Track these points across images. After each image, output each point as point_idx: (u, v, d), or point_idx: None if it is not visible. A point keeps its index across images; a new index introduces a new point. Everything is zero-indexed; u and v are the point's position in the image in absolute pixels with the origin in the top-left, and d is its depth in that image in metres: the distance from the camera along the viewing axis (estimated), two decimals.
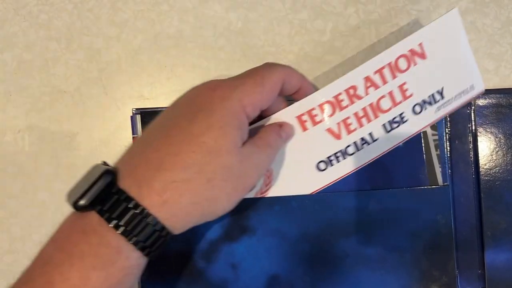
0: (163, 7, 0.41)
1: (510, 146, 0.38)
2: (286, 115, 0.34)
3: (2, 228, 0.40)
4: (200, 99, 0.30)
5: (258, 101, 0.31)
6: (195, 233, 0.38)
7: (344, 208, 0.37)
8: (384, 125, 0.36)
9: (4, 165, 0.40)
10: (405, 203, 0.37)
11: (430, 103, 0.36)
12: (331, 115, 0.35)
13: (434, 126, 0.37)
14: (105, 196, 0.27)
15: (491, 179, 0.37)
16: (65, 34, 0.40)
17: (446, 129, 0.38)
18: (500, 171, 0.37)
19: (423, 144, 0.37)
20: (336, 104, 0.35)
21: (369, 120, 0.35)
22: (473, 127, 0.38)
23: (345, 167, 0.36)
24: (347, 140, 0.35)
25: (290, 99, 0.35)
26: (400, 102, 0.35)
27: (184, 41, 0.40)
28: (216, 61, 0.40)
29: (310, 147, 0.35)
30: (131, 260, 0.27)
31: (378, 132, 0.36)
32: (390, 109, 0.35)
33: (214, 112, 0.29)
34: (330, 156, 0.36)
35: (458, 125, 0.38)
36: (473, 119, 0.38)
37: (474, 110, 0.38)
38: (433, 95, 0.36)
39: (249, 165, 0.31)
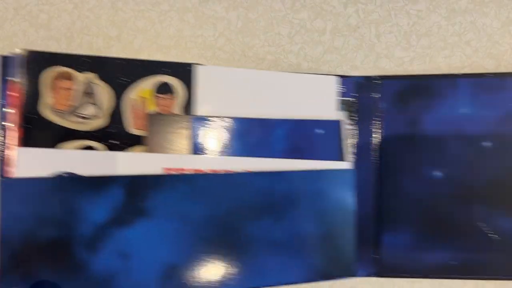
0: (163, 7, 0.41)
1: (412, 134, 0.37)
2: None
3: None
4: None
5: None
6: (76, 215, 0.32)
7: (252, 189, 0.35)
8: None
9: None
10: (311, 185, 0.36)
11: None
12: None
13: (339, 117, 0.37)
14: None
15: (392, 166, 0.37)
16: (65, 34, 0.41)
17: (353, 114, 0.38)
18: (401, 158, 0.37)
19: (339, 132, 0.37)
20: None
21: None
22: (378, 113, 0.38)
23: None
24: None
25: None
26: None
27: (184, 40, 0.40)
28: (216, 60, 0.40)
29: None
30: None
31: None
32: None
33: None
34: None
35: (364, 111, 0.38)
36: (378, 105, 0.38)
37: (379, 97, 0.38)
38: None
39: None
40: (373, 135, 0.38)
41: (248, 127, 0.36)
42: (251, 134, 0.36)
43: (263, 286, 0.35)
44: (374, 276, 0.37)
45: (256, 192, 0.35)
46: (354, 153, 0.37)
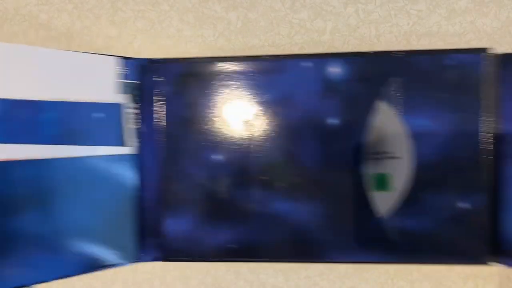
0: (163, 7, 0.41)
1: (194, 117, 0.37)
2: None
3: None
4: None
5: None
6: None
7: (13, 180, 0.31)
8: None
9: None
10: (87, 173, 0.34)
11: None
12: None
13: (131, 97, 0.36)
14: None
15: (175, 149, 0.37)
16: (65, 34, 0.41)
17: (136, 98, 0.37)
18: (183, 142, 0.37)
19: (120, 116, 0.36)
20: None
21: None
22: (161, 96, 0.37)
23: None
24: None
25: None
26: None
27: (184, 40, 0.40)
28: None
29: None
30: None
31: None
32: None
33: None
34: None
35: (147, 94, 0.37)
36: (161, 88, 0.37)
37: (162, 80, 0.37)
38: None
39: None
40: (156, 119, 0.37)
41: (8, 109, 0.32)
42: (14, 117, 0.32)
43: (31, 284, 0.32)
44: (158, 261, 0.37)
45: (18, 183, 0.32)
46: (137, 138, 0.36)
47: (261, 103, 0.37)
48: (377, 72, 0.36)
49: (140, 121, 0.37)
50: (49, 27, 0.41)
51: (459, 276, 0.40)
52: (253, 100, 0.37)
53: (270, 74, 0.37)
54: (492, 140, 0.35)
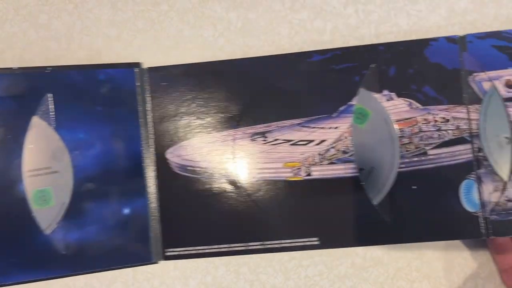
0: (163, 7, 0.41)
1: None
2: None
3: None
4: None
5: None
6: None
7: None
8: None
9: None
10: None
11: None
12: None
13: None
14: None
15: None
16: (65, 34, 0.41)
17: None
18: None
19: None
20: None
21: None
22: None
23: None
24: None
25: None
26: None
27: (184, 40, 0.40)
28: None
29: None
30: None
31: None
32: None
33: None
34: None
35: None
36: None
37: None
38: None
39: None
40: None
41: None
42: None
43: None
44: None
45: None
46: None
47: None
48: (29, 88, 0.35)
49: None
50: (49, 27, 0.41)
51: (459, 276, 0.40)
52: None
53: None
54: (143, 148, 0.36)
